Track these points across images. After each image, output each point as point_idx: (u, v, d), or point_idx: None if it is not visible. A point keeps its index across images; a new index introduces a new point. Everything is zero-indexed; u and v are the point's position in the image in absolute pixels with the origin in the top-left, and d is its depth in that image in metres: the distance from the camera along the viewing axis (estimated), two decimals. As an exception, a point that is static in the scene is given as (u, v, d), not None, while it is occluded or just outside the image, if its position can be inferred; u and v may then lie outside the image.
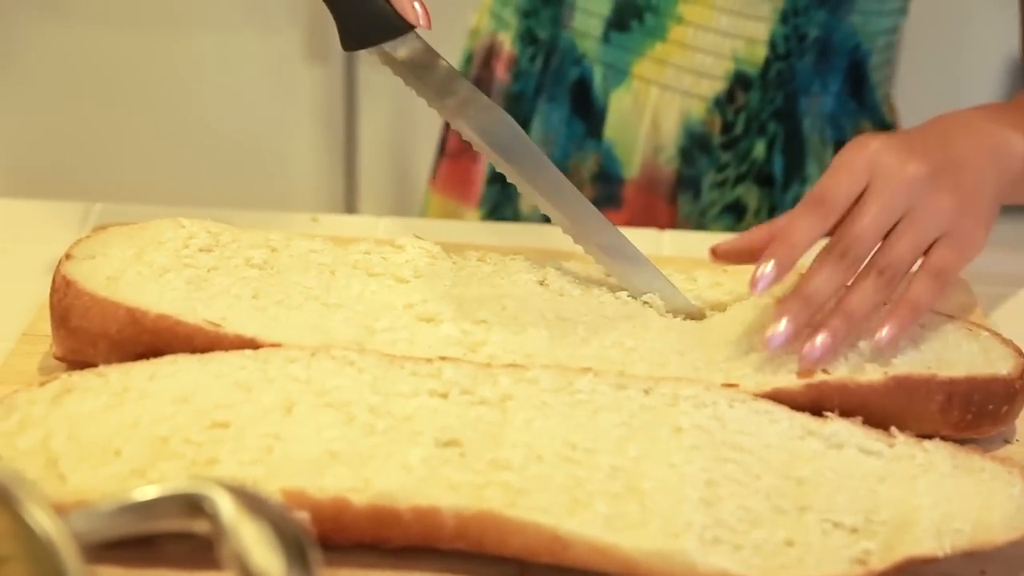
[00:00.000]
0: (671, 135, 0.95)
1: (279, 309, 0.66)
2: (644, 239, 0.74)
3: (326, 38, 1.77)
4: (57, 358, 0.66)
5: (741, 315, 0.68)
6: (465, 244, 0.77)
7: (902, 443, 0.60)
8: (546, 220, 0.98)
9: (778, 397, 0.62)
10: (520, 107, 0.99)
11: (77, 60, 1.85)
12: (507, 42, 1.00)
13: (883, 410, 0.63)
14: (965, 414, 0.64)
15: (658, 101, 0.94)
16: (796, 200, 0.96)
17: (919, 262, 0.67)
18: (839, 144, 0.96)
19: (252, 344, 0.63)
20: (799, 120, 0.95)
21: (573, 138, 0.98)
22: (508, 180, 0.70)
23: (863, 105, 0.97)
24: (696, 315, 0.70)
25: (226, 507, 0.44)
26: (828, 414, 0.62)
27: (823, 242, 0.66)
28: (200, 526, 0.45)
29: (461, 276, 0.70)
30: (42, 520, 0.41)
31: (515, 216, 1.01)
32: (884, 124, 0.99)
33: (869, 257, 0.66)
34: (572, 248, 0.72)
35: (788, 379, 0.63)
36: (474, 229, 0.89)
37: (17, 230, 0.83)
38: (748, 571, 0.52)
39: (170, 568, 0.53)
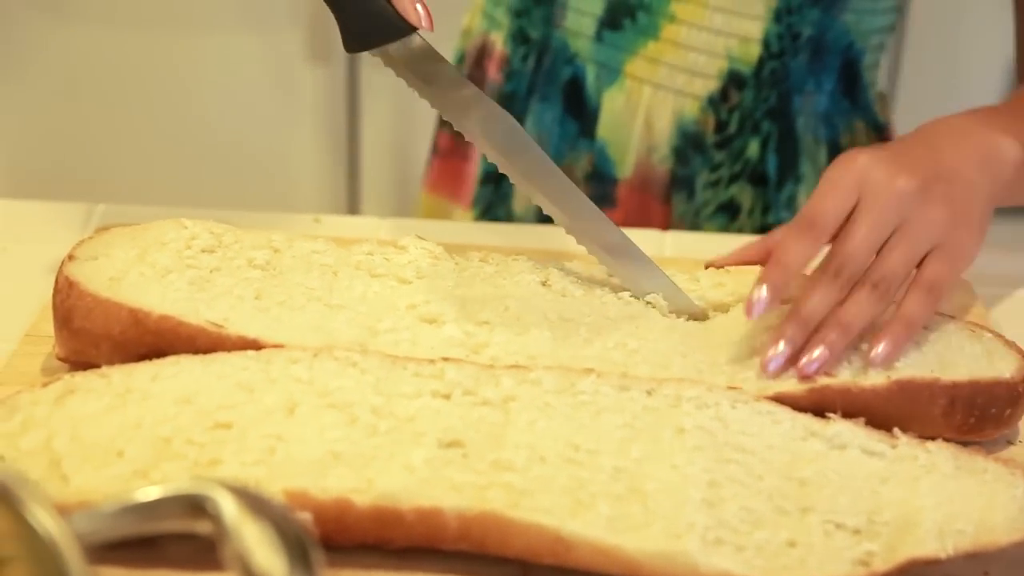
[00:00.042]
0: (664, 134, 0.95)
1: (281, 310, 0.66)
2: (646, 240, 0.74)
3: (328, 39, 1.77)
4: (60, 359, 0.66)
5: (744, 316, 0.68)
6: (467, 245, 0.77)
7: (905, 444, 0.60)
8: (541, 220, 0.99)
9: (780, 401, 0.62)
10: (512, 107, 0.99)
11: (80, 61, 1.85)
12: (499, 42, 1.00)
13: (886, 414, 0.63)
14: (968, 418, 0.64)
15: (651, 100, 0.94)
16: (790, 200, 0.96)
17: (912, 275, 0.67)
18: (832, 143, 0.97)
19: (255, 345, 0.63)
20: (793, 119, 0.95)
21: (566, 138, 0.98)
22: (511, 181, 0.70)
23: (856, 104, 0.97)
24: (699, 315, 0.70)
25: (228, 508, 0.44)
26: (831, 415, 0.62)
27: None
28: (202, 527, 0.45)
29: (464, 277, 0.70)
30: (45, 521, 0.41)
31: (508, 216, 1.01)
32: (877, 123, 0.99)
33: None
34: (574, 248, 0.72)
35: (790, 383, 0.63)
36: (476, 230, 0.89)
37: (20, 231, 0.83)
38: (750, 572, 0.52)
39: (172, 569, 0.53)
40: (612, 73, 0.95)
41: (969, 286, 0.79)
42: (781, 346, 0.63)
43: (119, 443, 0.56)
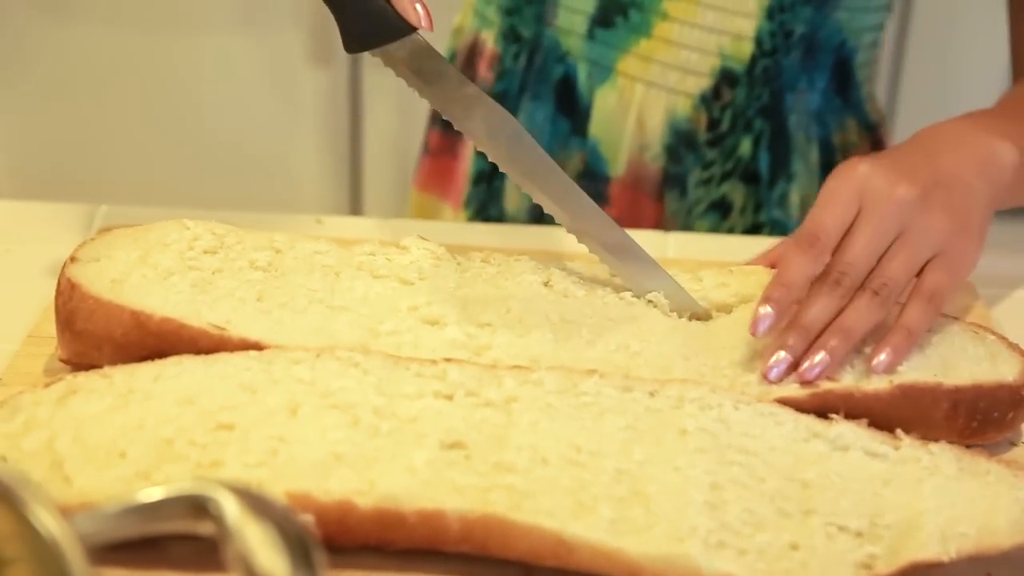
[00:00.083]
0: (657, 132, 0.95)
1: (283, 312, 0.66)
2: (648, 241, 0.74)
3: (330, 40, 1.77)
4: (62, 361, 0.66)
5: (747, 318, 0.68)
6: (469, 246, 0.77)
7: (907, 446, 0.60)
8: (533, 219, 0.99)
9: (783, 404, 0.62)
10: (504, 105, 0.99)
11: (83, 62, 1.85)
12: (490, 40, 1.00)
13: (888, 417, 0.63)
14: (971, 421, 0.64)
15: (643, 98, 0.94)
16: (782, 198, 0.96)
17: (913, 282, 0.67)
18: (824, 142, 0.97)
19: (256, 348, 0.63)
20: (785, 117, 0.95)
21: (558, 136, 0.97)
22: (513, 180, 0.70)
23: (848, 102, 0.97)
24: (702, 315, 0.70)
25: (231, 509, 0.44)
26: (833, 416, 0.61)
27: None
28: (205, 528, 0.45)
29: (465, 277, 0.70)
30: (47, 522, 0.41)
31: (500, 215, 1.01)
32: (868, 122, 0.99)
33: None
34: (576, 249, 0.72)
35: (793, 388, 0.63)
36: (478, 231, 0.89)
37: (23, 231, 0.83)
38: None
39: (175, 570, 0.53)
40: (604, 71, 0.95)
41: (972, 287, 0.79)
42: (782, 355, 0.63)
43: (121, 444, 0.56)
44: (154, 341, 0.63)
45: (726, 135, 0.94)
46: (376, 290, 0.68)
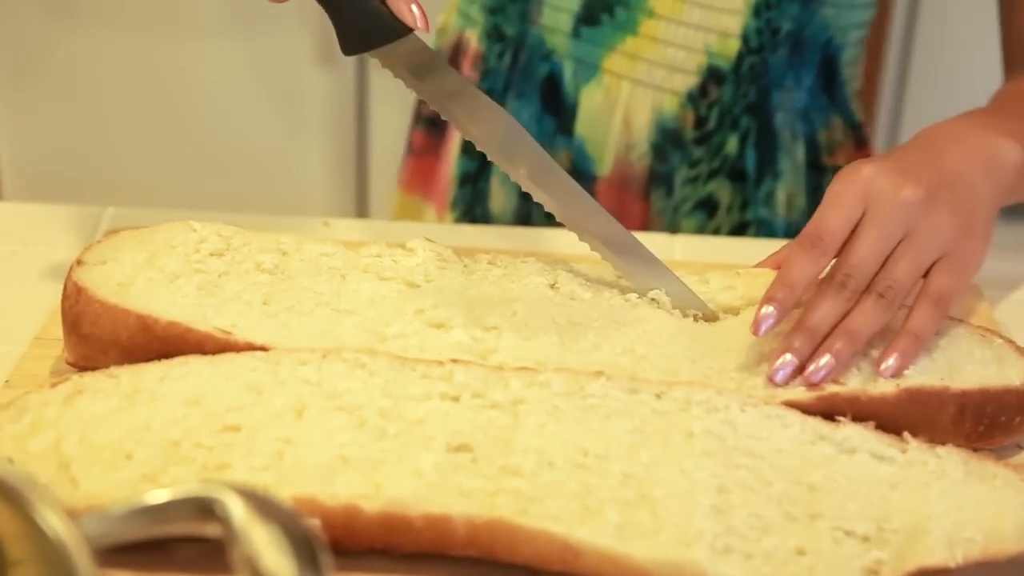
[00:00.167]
0: (643, 131, 0.94)
1: (290, 315, 0.66)
2: (655, 243, 0.74)
3: (336, 43, 1.78)
4: (68, 364, 0.66)
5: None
6: (475, 247, 0.77)
7: (914, 449, 0.60)
8: (520, 221, 0.99)
9: (790, 407, 0.62)
10: None
11: (89, 65, 1.86)
12: (474, 39, 1.00)
13: (895, 421, 0.63)
14: (977, 425, 0.64)
15: (630, 97, 0.94)
16: (768, 196, 0.96)
17: (919, 285, 0.67)
18: (810, 139, 0.97)
19: (263, 351, 0.63)
20: (771, 115, 0.94)
21: (543, 135, 0.97)
22: (512, 179, 0.70)
23: (834, 100, 0.97)
24: (708, 315, 0.70)
25: (237, 510, 0.44)
26: (840, 418, 0.61)
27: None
28: (211, 530, 0.45)
29: (472, 279, 0.70)
30: (54, 523, 0.41)
31: (486, 216, 1.01)
32: (853, 121, 0.99)
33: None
34: (581, 250, 0.72)
35: (799, 391, 0.63)
36: (481, 233, 0.89)
37: (30, 234, 0.83)
38: (759, 579, 0.52)
39: (182, 571, 0.53)
40: (590, 69, 0.94)
41: (979, 289, 0.79)
42: (788, 357, 0.63)
43: (128, 445, 0.56)
44: (160, 345, 0.63)
45: (713, 133, 0.94)
46: (382, 293, 0.68)
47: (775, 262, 0.72)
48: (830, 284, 0.65)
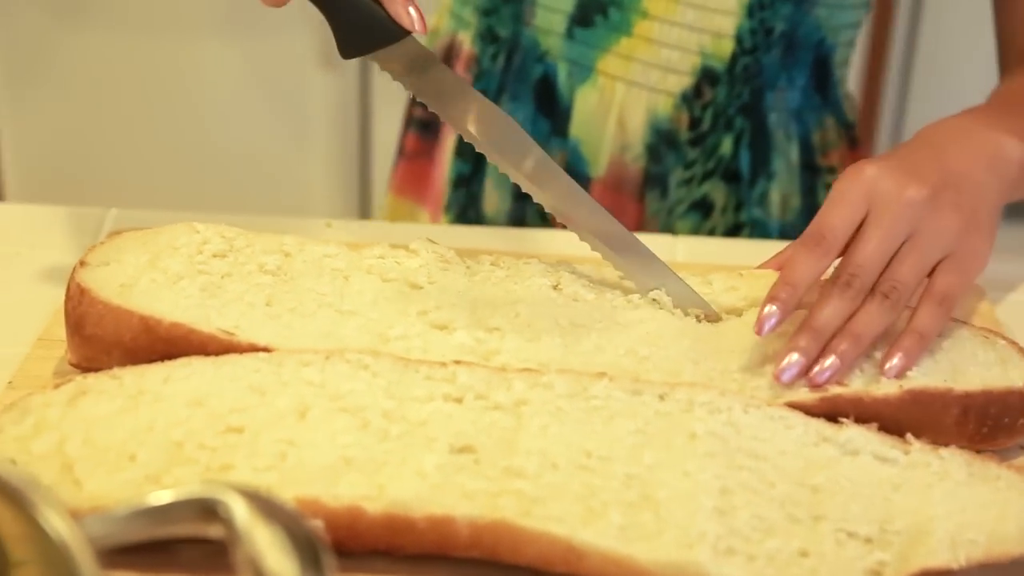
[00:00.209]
0: (638, 132, 0.94)
1: (292, 317, 0.66)
2: (658, 245, 0.74)
3: (340, 44, 1.78)
4: (72, 365, 0.66)
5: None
6: (478, 249, 0.76)
7: (917, 450, 0.60)
8: (513, 222, 0.98)
9: (793, 409, 0.62)
10: None
11: (93, 67, 1.86)
12: (467, 41, 0.99)
13: (898, 422, 0.63)
14: (981, 427, 0.64)
15: (624, 98, 0.94)
16: (762, 196, 0.96)
17: (924, 284, 0.67)
18: (803, 140, 0.97)
19: (265, 352, 0.63)
20: (765, 115, 0.95)
21: (538, 137, 0.97)
22: (512, 180, 0.70)
23: (827, 100, 0.97)
24: (710, 315, 0.70)
25: (240, 511, 0.44)
26: (843, 420, 0.61)
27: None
28: (214, 531, 0.45)
29: (475, 281, 0.70)
30: (57, 524, 0.41)
31: (479, 219, 1.01)
32: (846, 121, 1.00)
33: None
34: (579, 250, 0.72)
35: (802, 392, 0.63)
36: (483, 234, 0.89)
37: (33, 235, 0.83)
38: (762, 581, 0.52)
39: (185, 573, 0.53)
40: (584, 71, 0.94)
41: (982, 291, 0.78)
42: (795, 357, 0.63)
43: (131, 447, 0.56)
44: (163, 346, 0.63)
45: (707, 134, 0.94)
46: (385, 294, 0.68)
47: (778, 263, 0.72)
48: (835, 284, 0.65)
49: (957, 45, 1.79)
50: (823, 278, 0.67)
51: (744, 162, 0.95)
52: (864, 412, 0.63)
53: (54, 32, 1.84)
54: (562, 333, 0.66)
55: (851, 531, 0.55)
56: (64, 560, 0.40)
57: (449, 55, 1.01)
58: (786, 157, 0.96)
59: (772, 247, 0.75)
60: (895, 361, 0.64)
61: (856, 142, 1.01)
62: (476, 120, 0.69)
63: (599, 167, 0.96)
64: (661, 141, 0.94)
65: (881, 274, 0.66)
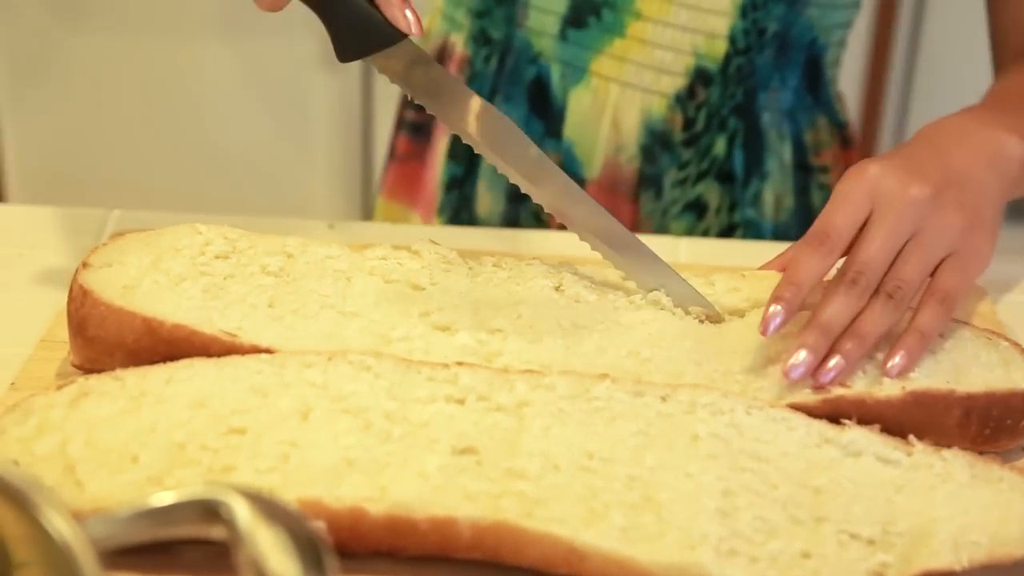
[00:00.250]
0: (632, 133, 0.94)
1: (295, 318, 0.66)
2: (660, 246, 0.74)
3: (342, 46, 1.78)
4: (74, 366, 0.66)
5: (759, 323, 0.68)
6: (480, 250, 0.76)
7: (920, 452, 0.60)
8: (506, 224, 0.98)
9: (795, 410, 0.62)
10: None
11: (95, 68, 1.86)
12: (460, 43, 0.99)
13: (900, 424, 0.63)
14: (983, 428, 0.64)
15: (618, 99, 0.94)
16: (755, 197, 0.96)
17: (926, 285, 0.67)
18: (796, 139, 0.97)
19: (268, 354, 0.63)
20: (758, 115, 0.95)
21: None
22: (511, 180, 0.70)
23: (818, 100, 0.98)
24: (713, 316, 0.70)
25: (242, 513, 0.44)
26: (846, 421, 0.61)
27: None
28: (217, 532, 0.45)
29: (477, 282, 0.70)
30: (59, 526, 0.41)
31: (472, 221, 1.01)
32: (838, 121, 1.00)
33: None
34: (581, 252, 0.72)
35: (805, 394, 0.63)
36: (485, 236, 0.89)
37: (36, 236, 0.83)
38: (764, 582, 0.52)
39: (187, 574, 0.53)
40: (578, 72, 0.94)
41: (984, 292, 0.78)
42: (803, 355, 0.63)
43: (133, 448, 0.56)
44: (166, 347, 0.63)
45: (701, 135, 0.94)
46: (388, 295, 0.68)
47: (780, 264, 0.72)
48: (841, 282, 0.65)
49: (960, 44, 1.79)
50: (825, 279, 0.67)
51: (738, 162, 0.95)
52: (867, 414, 0.63)
53: (57, 33, 1.84)
54: (564, 334, 0.66)
55: (853, 532, 0.55)
56: (66, 561, 0.40)
57: (441, 57, 1.01)
58: (779, 157, 0.96)
59: (774, 248, 0.75)
60: (897, 360, 0.64)
61: (848, 142, 1.01)
62: (474, 121, 0.69)
63: (593, 168, 0.96)
64: (655, 142, 0.94)
65: (885, 273, 0.66)
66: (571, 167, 0.96)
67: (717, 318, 0.70)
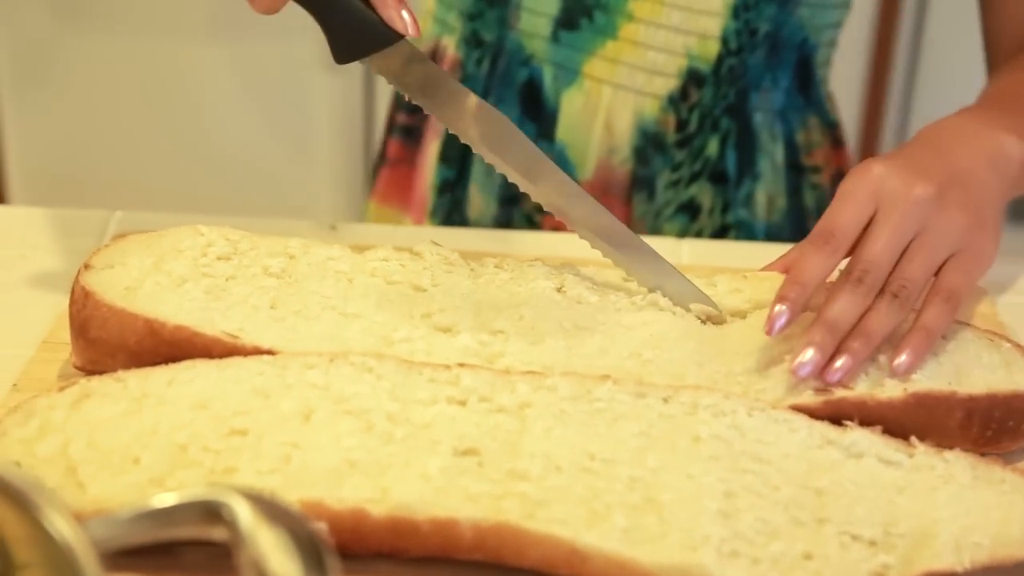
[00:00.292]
0: (625, 135, 0.94)
1: (297, 319, 0.66)
2: (663, 248, 0.74)
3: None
4: (76, 368, 0.66)
5: (761, 324, 0.68)
6: (482, 252, 0.76)
7: (922, 453, 0.60)
8: (499, 226, 0.98)
9: (797, 411, 0.62)
10: None
11: (97, 69, 1.86)
12: (451, 46, 0.99)
13: (902, 425, 0.62)
14: (985, 430, 0.64)
15: (611, 101, 0.94)
16: (747, 197, 0.96)
17: (931, 284, 0.67)
18: (788, 139, 0.97)
19: (270, 355, 0.63)
20: (750, 116, 0.95)
21: None
22: (510, 180, 0.70)
23: (810, 100, 0.98)
24: (715, 317, 0.70)
25: (244, 514, 0.44)
26: (848, 423, 0.61)
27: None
28: (218, 533, 0.45)
29: (479, 284, 0.70)
30: (61, 527, 0.41)
31: (464, 224, 1.00)
32: (828, 120, 1.00)
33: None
34: (582, 252, 0.72)
35: (807, 396, 0.63)
36: (489, 237, 0.89)
37: (37, 238, 0.83)
38: (766, 584, 0.52)
39: (188, 575, 0.53)
40: (570, 74, 0.94)
41: (986, 294, 0.78)
42: (810, 353, 0.63)
43: (135, 450, 0.56)
44: (168, 349, 0.63)
45: (694, 136, 0.94)
46: (389, 297, 0.68)
47: (783, 265, 0.72)
48: (847, 280, 0.65)
49: (962, 44, 1.79)
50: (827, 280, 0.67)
51: (731, 163, 0.95)
52: (868, 415, 0.63)
53: (59, 35, 1.85)
54: (566, 336, 0.66)
55: (855, 534, 0.55)
56: (68, 563, 0.40)
57: (433, 60, 1.01)
58: (771, 157, 0.96)
59: (776, 249, 0.75)
60: (903, 358, 0.64)
61: (839, 142, 1.01)
62: (472, 120, 0.69)
63: (586, 170, 0.96)
64: (648, 143, 0.95)
65: (891, 273, 0.66)
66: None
67: (719, 318, 0.70)
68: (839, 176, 1.01)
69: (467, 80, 0.98)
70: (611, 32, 0.92)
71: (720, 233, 0.97)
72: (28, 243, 0.82)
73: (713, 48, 0.91)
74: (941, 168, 0.68)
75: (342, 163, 1.92)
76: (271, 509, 0.44)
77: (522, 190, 0.70)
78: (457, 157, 1.00)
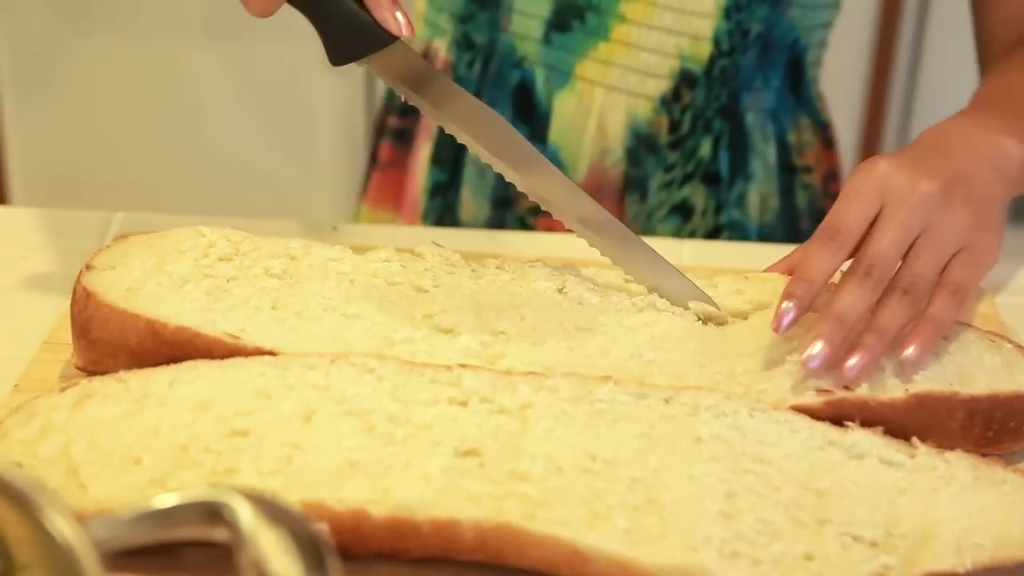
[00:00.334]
0: (617, 137, 0.94)
1: (298, 320, 0.66)
2: (664, 248, 0.74)
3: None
4: (78, 368, 0.66)
5: (762, 325, 0.68)
6: (483, 252, 0.77)
7: (923, 454, 0.60)
8: (493, 227, 0.98)
9: (798, 412, 0.62)
10: None
11: (99, 70, 1.87)
12: (442, 49, 0.99)
13: (904, 426, 0.62)
14: (986, 431, 0.64)
15: (603, 102, 0.94)
16: (740, 198, 0.96)
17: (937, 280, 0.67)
18: (780, 140, 0.97)
19: (271, 356, 0.63)
20: (742, 116, 0.95)
21: None
22: (508, 179, 0.70)
23: (800, 100, 0.98)
24: (716, 318, 0.70)
25: (245, 515, 0.44)
26: (849, 424, 0.61)
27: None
28: (219, 534, 0.45)
29: (480, 284, 0.70)
30: (62, 528, 0.41)
31: (456, 226, 1.00)
32: (819, 120, 1.00)
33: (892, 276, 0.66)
34: (583, 253, 0.72)
35: (808, 396, 0.63)
36: (485, 238, 0.89)
37: (39, 239, 0.83)
38: (767, 585, 0.52)
39: (189, 576, 0.53)
40: (562, 76, 0.94)
41: (987, 295, 0.78)
42: (819, 345, 0.63)
43: (136, 450, 0.56)
44: (169, 350, 0.63)
45: (686, 137, 0.94)
46: (391, 297, 0.68)
47: (786, 266, 0.72)
48: (854, 273, 0.65)
49: (964, 44, 1.79)
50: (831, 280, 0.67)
51: (723, 164, 0.95)
52: (870, 416, 0.63)
53: (61, 36, 1.85)
54: (567, 336, 0.66)
55: (856, 535, 0.55)
56: (69, 563, 0.40)
57: None
58: (763, 158, 0.97)
59: (778, 250, 0.75)
60: (911, 350, 0.64)
61: (831, 142, 1.02)
62: (469, 119, 0.69)
63: (579, 172, 0.96)
64: (641, 145, 0.95)
65: (898, 270, 0.66)
66: None
67: (720, 318, 0.70)
68: (831, 176, 1.02)
69: (459, 83, 0.98)
70: (603, 34, 0.92)
71: (713, 234, 0.97)
72: (30, 244, 0.82)
73: (705, 49, 0.91)
74: (944, 167, 0.69)
75: (343, 165, 1.92)
76: (272, 510, 0.44)
77: (520, 189, 0.70)
78: (449, 160, 1.00)
